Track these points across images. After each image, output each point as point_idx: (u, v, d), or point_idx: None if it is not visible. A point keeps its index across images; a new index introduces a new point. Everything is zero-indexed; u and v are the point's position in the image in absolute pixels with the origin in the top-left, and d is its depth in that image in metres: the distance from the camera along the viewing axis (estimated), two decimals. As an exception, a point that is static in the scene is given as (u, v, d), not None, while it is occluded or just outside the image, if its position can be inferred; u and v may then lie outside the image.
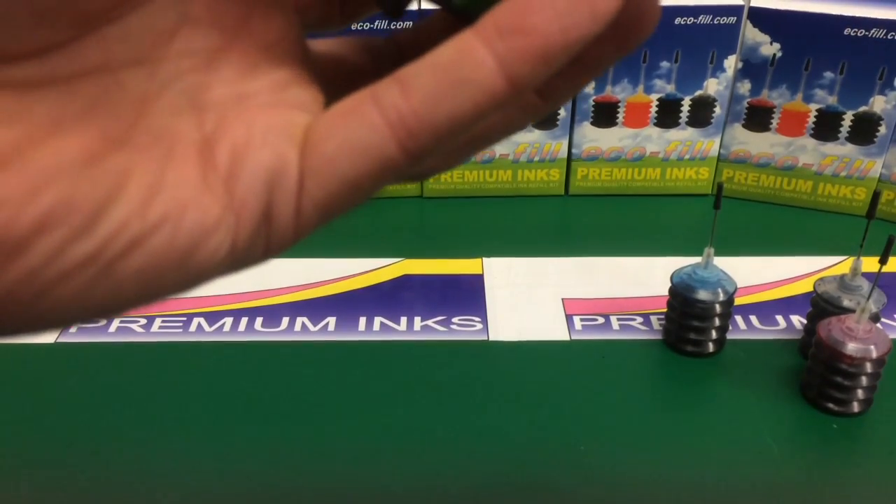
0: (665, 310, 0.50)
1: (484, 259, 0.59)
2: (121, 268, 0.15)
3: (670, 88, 0.64)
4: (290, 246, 0.18)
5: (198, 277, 0.17)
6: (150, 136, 0.16)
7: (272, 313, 0.53)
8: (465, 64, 0.16)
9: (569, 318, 0.53)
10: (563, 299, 0.55)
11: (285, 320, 0.52)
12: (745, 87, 0.64)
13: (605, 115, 0.65)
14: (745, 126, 0.66)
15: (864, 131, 0.62)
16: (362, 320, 0.53)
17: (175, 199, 0.16)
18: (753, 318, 0.53)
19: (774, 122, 0.65)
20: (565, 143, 0.67)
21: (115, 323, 0.51)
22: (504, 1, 0.16)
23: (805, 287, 0.55)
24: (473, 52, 0.16)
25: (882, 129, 0.62)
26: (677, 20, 0.61)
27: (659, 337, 0.51)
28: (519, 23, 0.15)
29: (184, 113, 0.17)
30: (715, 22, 0.61)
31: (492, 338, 0.51)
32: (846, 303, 0.46)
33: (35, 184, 0.14)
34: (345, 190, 0.17)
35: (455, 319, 0.52)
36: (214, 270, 0.17)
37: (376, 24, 0.60)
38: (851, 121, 0.62)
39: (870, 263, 0.44)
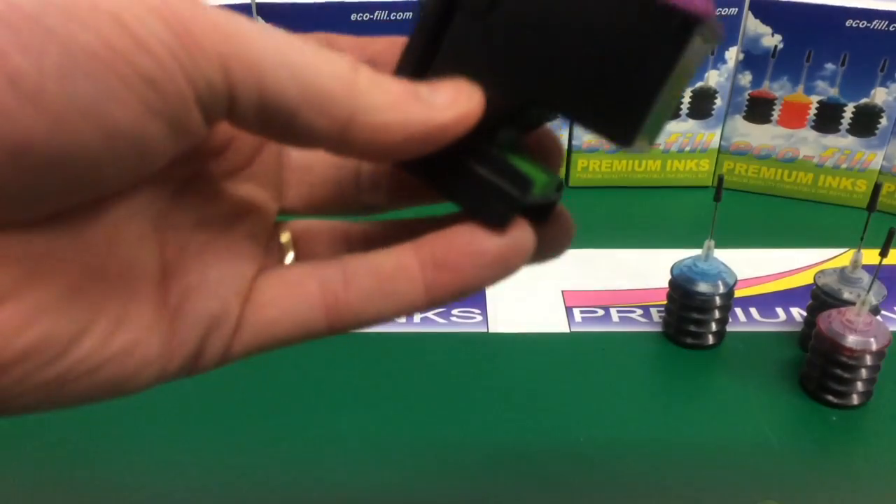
0: (665, 302, 0.50)
1: (484, 251, 0.59)
2: (70, 389, 0.17)
3: (671, 80, 0.64)
4: (208, 371, 0.20)
5: (126, 394, 0.19)
6: (119, 266, 0.18)
7: (272, 305, 0.53)
8: (401, 280, 0.19)
9: (568, 310, 0.53)
10: (562, 291, 0.55)
11: (285, 312, 0.52)
12: (746, 78, 0.64)
13: (605, 106, 0.65)
14: (745, 118, 0.65)
15: (866, 123, 0.62)
16: (362, 312, 0.52)
17: (130, 336, 0.18)
18: (753, 311, 0.53)
19: (775, 114, 0.64)
20: (566, 134, 0.67)
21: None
22: (447, 231, 0.19)
23: (805, 279, 0.55)
24: (409, 271, 0.19)
25: (883, 121, 0.62)
26: None
27: (659, 329, 0.51)
28: (452, 261, 0.19)
29: (148, 239, 0.19)
30: (716, 13, 0.61)
31: (491, 330, 0.51)
32: (846, 295, 0.46)
33: (25, 319, 0.16)
34: (272, 345, 0.20)
35: (455, 311, 0.52)
36: (140, 390, 0.19)
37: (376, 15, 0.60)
38: (852, 113, 0.62)
39: (870, 256, 0.44)
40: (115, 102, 0.15)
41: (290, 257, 0.22)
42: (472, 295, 0.20)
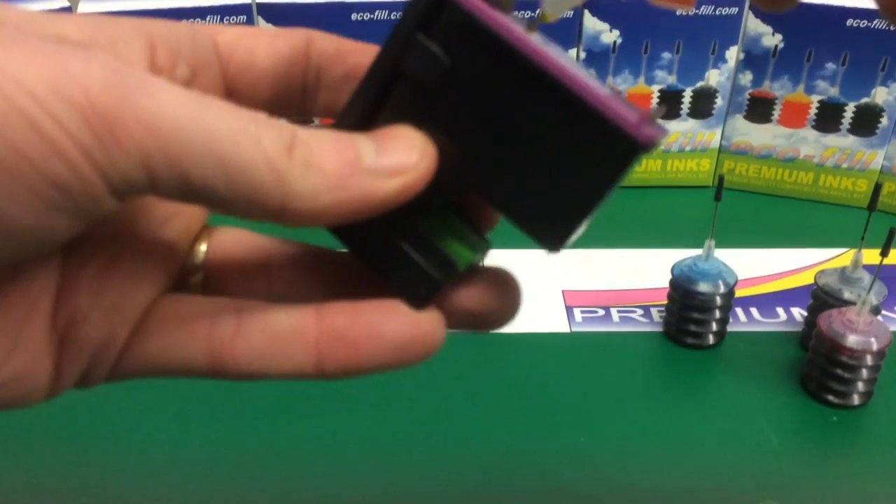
0: (665, 302, 0.50)
1: (484, 251, 0.59)
2: None
3: (672, 79, 0.64)
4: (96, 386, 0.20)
5: (13, 410, 0.18)
6: (20, 290, 0.17)
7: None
8: (293, 343, 0.19)
9: (569, 309, 0.53)
10: (563, 291, 0.55)
11: (285, 312, 0.52)
12: (746, 78, 0.64)
13: (606, 106, 0.65)
14: (746, 117, 0.65)
15: (866, 123, 0.62)
16: (362, 312, 0.52)
17: (21, 365, 0.17)
18: (754, 311, 0.53)
19: (776, 114, 0.64)
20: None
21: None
22: (356, 305, 0.19)
23: (806, 279, 0.55)
24: (305, 336, 0.19)
25: (884, 121, 0.62)
26: (679, 11, 0.61)
27: (659, 329, 0.51)
28: (352, 338, 0.18)
29: (52, 258, 0.18)
30: (717, 13, 0.61)
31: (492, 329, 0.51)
32: (847, 295, 0.46)
33: None
34: (152, 375, 0.20)
35: (455, 311, 0.52)
36: (28, 407, 0.18)
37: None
38: (853, 112, 0.62)
39: (871, 256, 0.44)
40: (17, 205, 0.14)
41: (197, 275, 0.22)
42: (366, 375, 0.19)
